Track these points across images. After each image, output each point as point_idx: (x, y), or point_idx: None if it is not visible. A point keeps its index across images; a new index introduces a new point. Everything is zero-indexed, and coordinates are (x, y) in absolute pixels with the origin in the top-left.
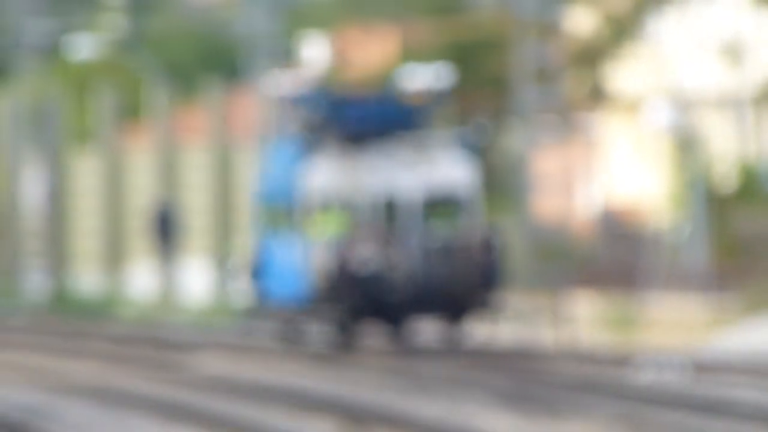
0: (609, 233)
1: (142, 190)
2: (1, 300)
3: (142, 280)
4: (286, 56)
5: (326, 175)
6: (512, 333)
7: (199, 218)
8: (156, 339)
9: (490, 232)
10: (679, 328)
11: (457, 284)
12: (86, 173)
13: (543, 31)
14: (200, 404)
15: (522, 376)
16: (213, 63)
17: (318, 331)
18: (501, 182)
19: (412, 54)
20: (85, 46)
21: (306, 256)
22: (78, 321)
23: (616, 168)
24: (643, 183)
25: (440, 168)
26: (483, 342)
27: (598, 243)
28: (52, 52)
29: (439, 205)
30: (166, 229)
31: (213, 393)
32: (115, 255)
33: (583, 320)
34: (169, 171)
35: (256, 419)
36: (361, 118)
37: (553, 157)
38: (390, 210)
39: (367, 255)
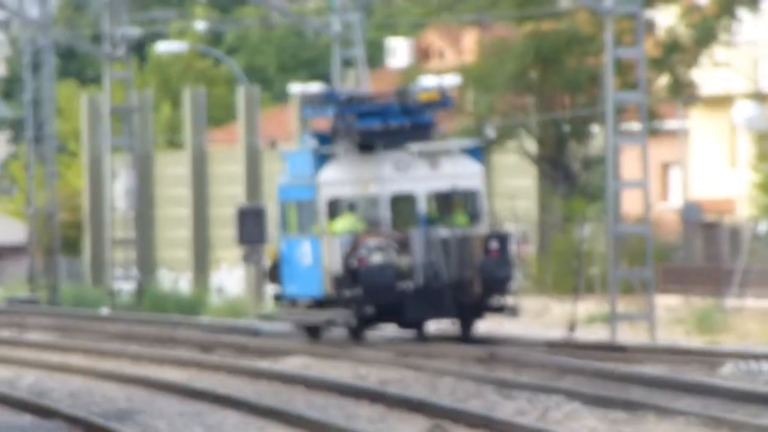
0: (696, 230)
1: (227, 190)
2: (93, 299)
3: (229, 279)
4: (370, 61)
5: (339, 175)
6: (601, 333)
7: None
8: (241, 336)
9: (499, 229)
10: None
11: (464, 281)
12: (174, 172)
13: (629, 29)
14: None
15: (608, 376)
16: (299, 67)
17: (342, 323)
18: (585, 182)
19: (494, 55)
20: (174, 48)
21: (320, 254)
22: (167, 321)
23: (703, 165)
24: (731, 180)
25: (451, 167)
26: (563, 339)
27: (685, 241)
28: (141, 54)
29: (451, 204)
30: (254, 229)
31: (295, 389)
32: (201, 254)
33: (670, 320)
34: (253, 171)
35: (349, 419)
36: (373, 119)
37: (639, 155)
38: (401, 209)
39: (376, 253)
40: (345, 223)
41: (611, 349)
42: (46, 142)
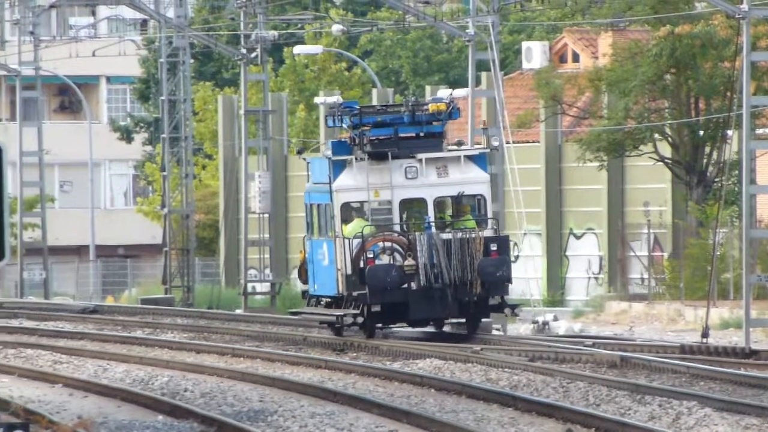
0: None
1: None
2: (227, 300)
3: None
4: (504, 64)
5: (353, 181)
6: (734, 339)
7: None
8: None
9: (500, 232)
10: None
11: (465, 281)
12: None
13: (766, 33)
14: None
15: (741, 382)
16: (433, 70)
17: (351, 320)
18: (720, 186)
19: (629, 59)
20: (310, 51)
21: (335, 254)
22: (300, 322)
23: None
24: None
25: (458, 174)
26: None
27: None
28: (277, 57)
29: (460, 208)
30: None
31: (426, 391)
32: None
33: None
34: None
35: (480, 422)
36: (385, 129)
37: None
38: (410, 214)
39: (382, 255)
40: (356, 226)
41: (744, 354)
42: (182, 143)
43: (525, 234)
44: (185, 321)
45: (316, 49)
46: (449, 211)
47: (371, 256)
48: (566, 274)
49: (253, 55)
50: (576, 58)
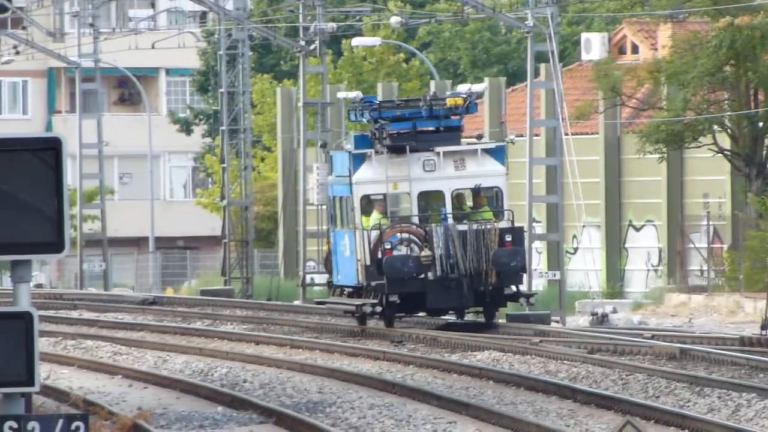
0: None
1: None
2: (286, 291)
3: None
4: (563, 56)
5: (372, 174)
6: None
7: None
8: (430, 329)
9: (514, 223)
10: None
11: (480, 272)
12: None
13: None
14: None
15: None
16: (491, 62)
17: (370, 310)
18: None
19: (688, 50)
20: (368, 43)
21: (355, 245)
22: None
23: None
24: None
25: (475, 167)
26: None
27: None
28: (335, 48)
29: (479, 200)
30: None
31: (484, 383)
32: None
33: None
34: None
35: (539, 414)
36: (403, 123)
37: None
38: (428, 206)
39: (399, 246)
40: (374, 218)
41: None
42: (241, 135)
43: (584, 226)
44: (244, 312)
45: (374, 41)
46: (469, 203)
47: (389, 247)
48: (625, 266)
49: (312, 47)
50: (635, 49)
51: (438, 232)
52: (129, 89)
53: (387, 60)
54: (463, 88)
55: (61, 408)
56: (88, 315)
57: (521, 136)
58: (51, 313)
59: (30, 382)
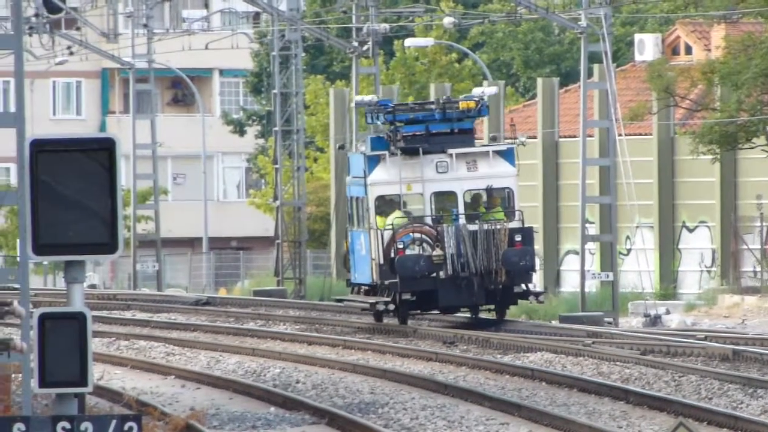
0: None
1: None
2: (338, 292)
3: None
4: (616, 56)
5: (386, 175)
6: None
7: (528, 213)
8: (483, 331)
9: (524, 224)
10: None
11: (491, 271)
12: None
13: None
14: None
15: None
16: (544, 62)
17: (383, 307)
18: None
19: (741, 51)
20: (421, 43)
21: (370, 245)
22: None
23: None
24: None
25: (487, 168)
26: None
27: None
28: (387, 49)
29: (485, 201)
30: None
31: (537, 384)
32: None
33: None
34: None
35: (591, 416)
36: (417, 126)
37: None
38: (441, 206)
39: (411, 246)
40: (388, 218)
41: None
42: (294, 136)
43: (637, 227)
44: (297, 313)
45: (426, 41)
46: (482, 203)
47: (401, 246)
48: (678, 268)
49: (365, 48)
50: (688, 50)
51: (449, 232)
52: (183, 90)
53: (439, 60)
54: (476, 91)
55: (114, 408)
56: (141, 315)
57: (533, 138)
58: (104, 313)
59: (83, 382)
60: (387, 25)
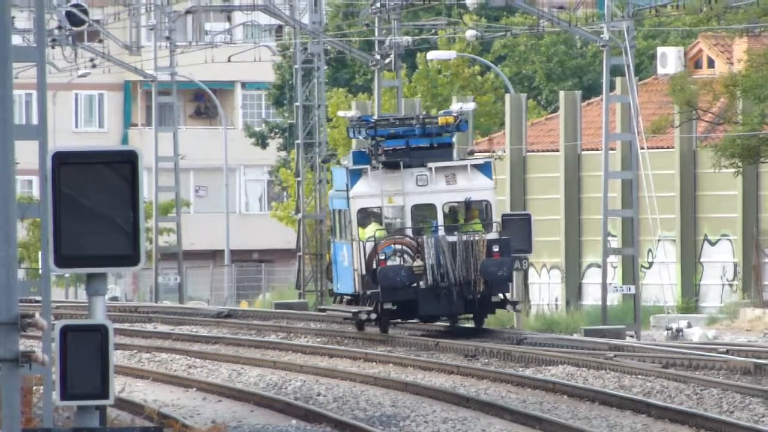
0: None
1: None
2: None
3: None
4: (638, 69)
5: (368, 188)
6: None
7: (550, 226)
8: (505, 344)
9: (501, 235)
10: None
11: (469, 280)
12: None
13: None
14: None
15: None
16: (566, 75)
17: (366, 317)
18: None
19: (764, 64)
20: (443, 56)
21: (352, 256)
22: (431, 328)
23: None
24: None
25: (465, 182)
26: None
27: None
28: (409, 62)
29: (464, 213)
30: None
31: (558, 397)
32: None
33: None
34: (517, 179)
35: (612, 429)
36: (398, 141)
37: None
38: (421, 218)
39: (392, 257)
40: (370, 230)
41: None
42: (316, 149)
43: (659, 240)
44: (318, 325)
45: (449, 54)
46: (461, 216)
47: (383, 257)
48: (700, 281)
49: (387, 61)
50: (711, 63)
51: (429, 243)
52: (205, 102)
53: (462, 73)
54: (454, 107)
55: (136, 421)
56: (162, 328)
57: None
58: (126, 326)
59: (104, 394)
60: (409, 38)
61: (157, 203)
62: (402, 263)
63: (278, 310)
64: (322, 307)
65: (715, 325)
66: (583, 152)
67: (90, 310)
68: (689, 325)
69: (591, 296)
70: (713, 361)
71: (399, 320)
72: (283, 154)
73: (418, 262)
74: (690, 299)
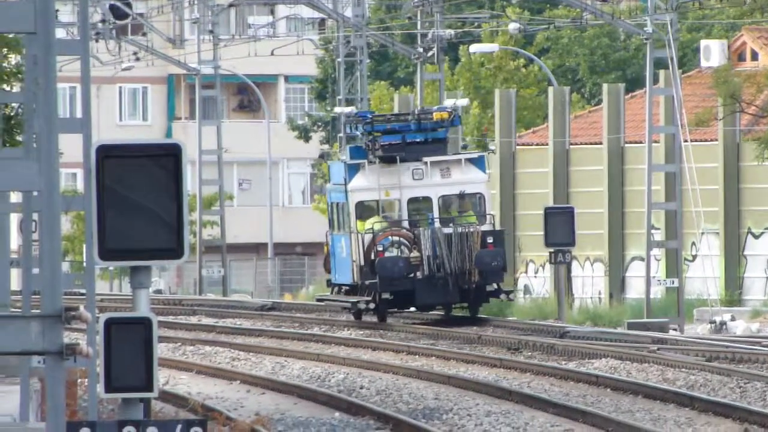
0: None
1: (535, 191)
2: None
3: (536, 280)
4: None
5: (365, 182)
6: None
7: (594, 219)
8: (548, 337)
9: (496, 227)
10: None
11: (464, 271)
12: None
13: None
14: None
15: None
16: (609, 68)
17: (364, 306)
18: None
19: None
20: (486, 49)
21: (351, 247)
22: (473, 322)
23: None
24: None
25: (459, 175)
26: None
27: None
28: (452, 55)
29: (464, 206)
30: (562, 230)
31: (602, 391)
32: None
33: None
34: (561, 172)
35: (656, 422)
36: (394, 136)
37: None
38: (417, 211)
39: (390, 248)
40: (369, 223)
41: None
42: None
43: (703, 233)
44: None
45: (492, 47)
46: (455, 208)
47: (381, 249)
48: (744, 274)
49: (429, 54)
50: (755, 56)
51: (425, 235)
52: (248, 96)
53: (505, 66)
54: (449, 102)
55: (180, 413)
56: (206, 321)
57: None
58: (170, 318)
59: (149, 387)
60: (452, 31)
61: (200, 196)
62: (399, 254)
63: (321, 303)
64: (320, 296)
65: (759, 318)
66: (626, 145)
67: (134, 302)
68: (733, 318)
69: (634, 289)
70: (757, 354)
71: (396, 309)
72: (326, 147)
73: (415, 253)
74: (733, 292)
